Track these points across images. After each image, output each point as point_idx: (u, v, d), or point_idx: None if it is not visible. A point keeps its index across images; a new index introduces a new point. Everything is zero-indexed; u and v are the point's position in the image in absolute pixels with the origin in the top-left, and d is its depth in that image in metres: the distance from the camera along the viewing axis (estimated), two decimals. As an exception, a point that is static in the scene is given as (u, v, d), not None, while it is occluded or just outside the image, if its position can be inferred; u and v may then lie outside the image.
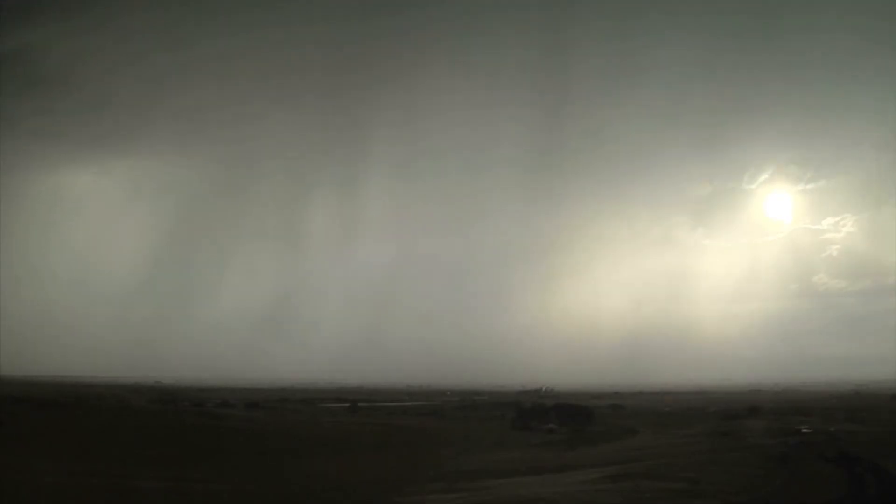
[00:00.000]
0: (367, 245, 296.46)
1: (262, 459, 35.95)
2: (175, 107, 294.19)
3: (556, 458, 38.01)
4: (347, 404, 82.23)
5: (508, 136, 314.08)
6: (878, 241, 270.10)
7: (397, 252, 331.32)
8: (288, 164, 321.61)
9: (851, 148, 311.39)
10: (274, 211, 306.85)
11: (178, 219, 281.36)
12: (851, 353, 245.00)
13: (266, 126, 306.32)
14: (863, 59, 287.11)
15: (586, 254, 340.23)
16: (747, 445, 35.62)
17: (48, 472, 26.67)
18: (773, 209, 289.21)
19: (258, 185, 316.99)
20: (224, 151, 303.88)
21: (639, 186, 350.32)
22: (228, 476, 30.49)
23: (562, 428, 57.43)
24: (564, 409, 68.31)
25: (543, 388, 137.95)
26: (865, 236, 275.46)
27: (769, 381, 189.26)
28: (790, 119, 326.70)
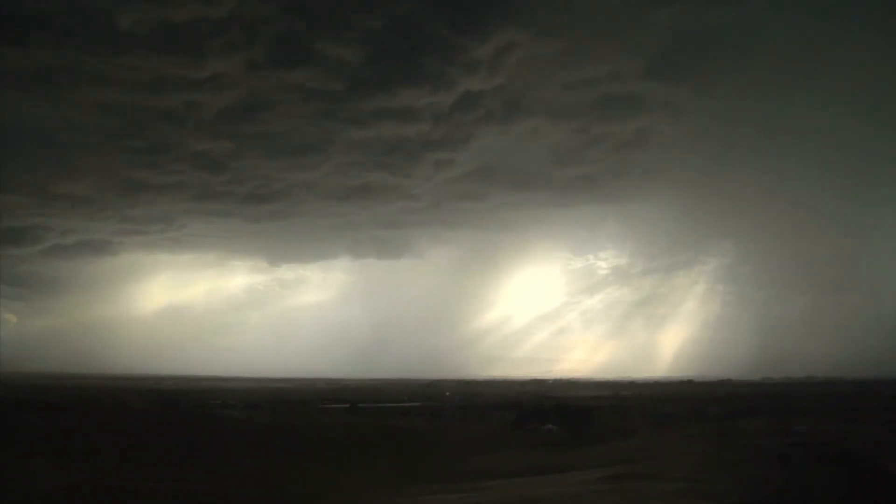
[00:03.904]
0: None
1: (261, 460, 35.94)
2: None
3: (555, 458, 38.04)
4: (347, 405, 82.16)
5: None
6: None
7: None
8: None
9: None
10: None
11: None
12: (851, 352, 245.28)
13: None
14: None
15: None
16: (747, 446, 35.64)
17: (47, 474, 26.65)
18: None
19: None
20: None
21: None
22: (228, 477, 30.51)
23: (561, 428, 57.46)
24: (564, 409, 68.39)
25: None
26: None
27: (769, 381, 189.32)
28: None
